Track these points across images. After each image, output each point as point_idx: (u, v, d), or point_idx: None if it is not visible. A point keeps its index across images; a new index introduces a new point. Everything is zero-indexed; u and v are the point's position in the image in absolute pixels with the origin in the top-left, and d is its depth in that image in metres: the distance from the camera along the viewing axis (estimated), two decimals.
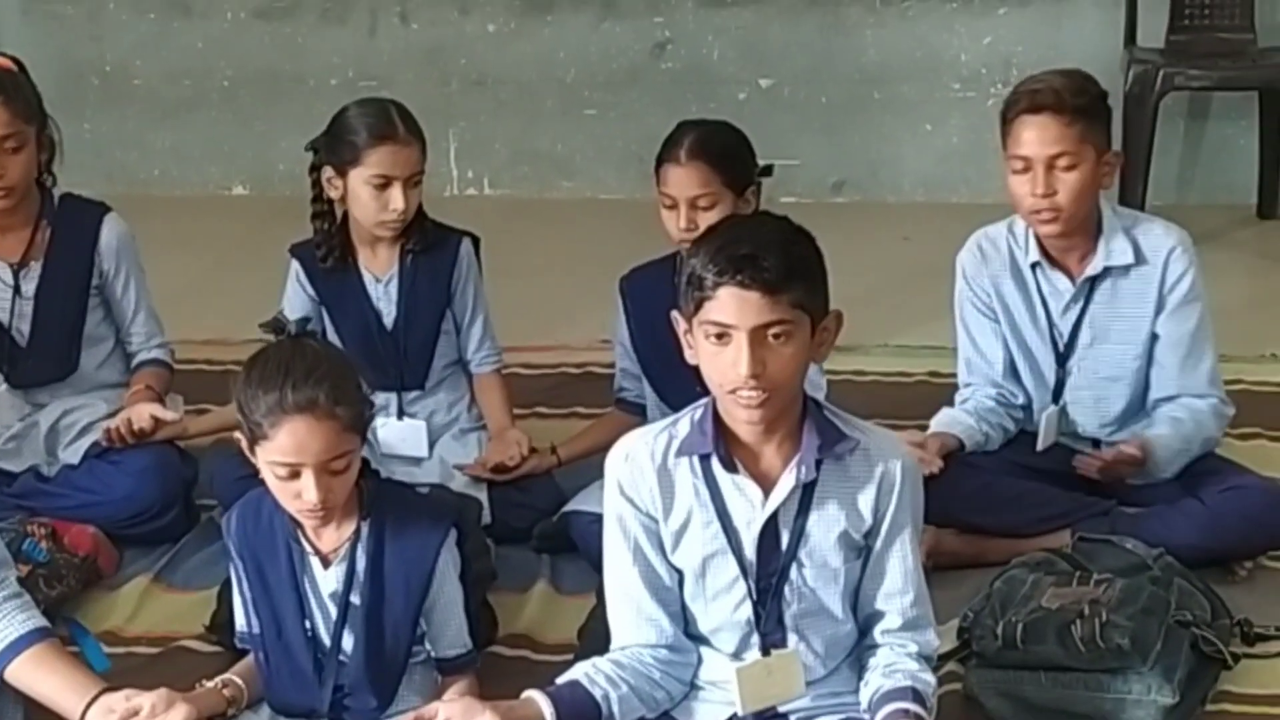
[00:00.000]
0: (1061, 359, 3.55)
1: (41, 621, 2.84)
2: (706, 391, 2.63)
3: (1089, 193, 3.38)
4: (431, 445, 3.77)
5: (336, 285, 3.74)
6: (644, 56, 6.16)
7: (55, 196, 3.78)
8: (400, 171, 3.57)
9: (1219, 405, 3.56)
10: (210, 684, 2.86)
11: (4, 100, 3.57)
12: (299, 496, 2.69)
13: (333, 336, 3.72)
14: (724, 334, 2.51)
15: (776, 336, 2.50)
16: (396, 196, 3.57)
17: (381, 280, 3.73)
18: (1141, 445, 3.42)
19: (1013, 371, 3.59)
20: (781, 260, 2.49)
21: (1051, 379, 3.57)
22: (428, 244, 3.72)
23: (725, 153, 3.49)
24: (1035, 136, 3.34)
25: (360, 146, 3.56)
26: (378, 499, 2.84)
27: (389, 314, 3.73)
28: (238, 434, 2.76)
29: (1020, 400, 3.61)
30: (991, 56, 5.98)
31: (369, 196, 3.59)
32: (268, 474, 2.72)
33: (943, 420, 3.55)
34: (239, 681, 2.88)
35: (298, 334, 2.78)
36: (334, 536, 2.82)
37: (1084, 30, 5.84)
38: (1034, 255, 3.51)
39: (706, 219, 3.37)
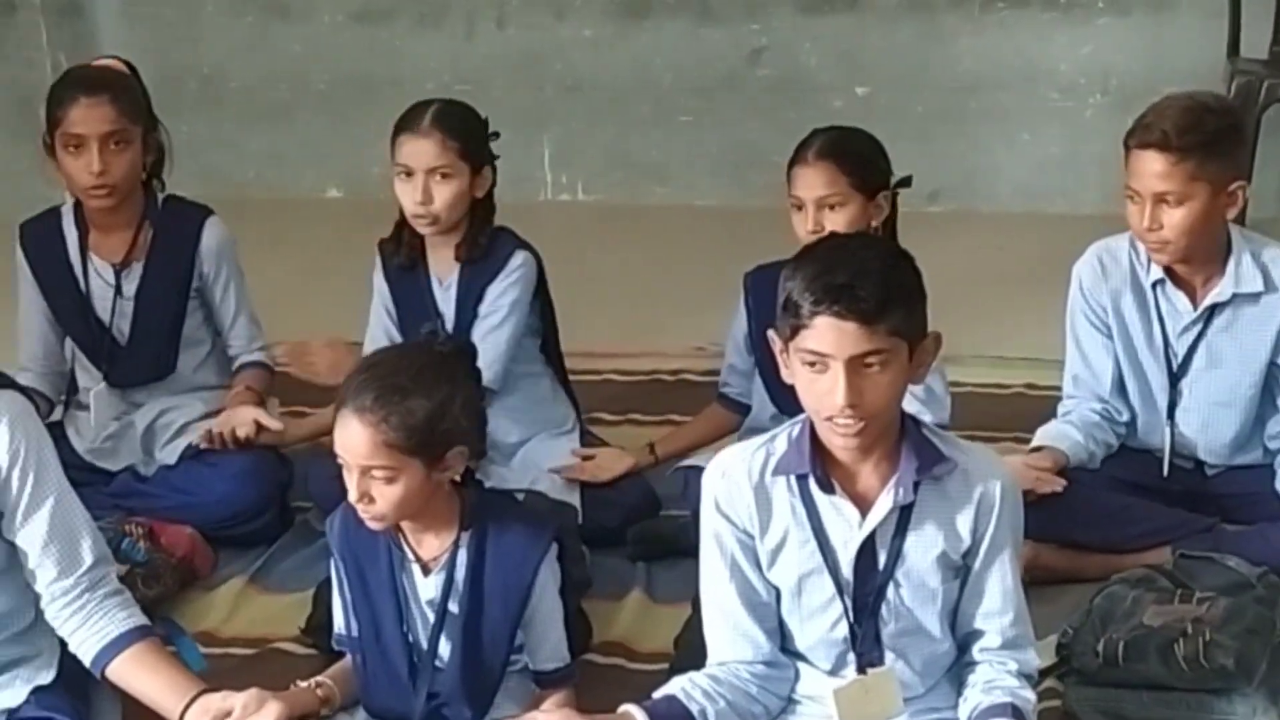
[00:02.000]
0: (1174, 380, 3.50)
1: (142, 620, 2.87)
2: None
3: (1200, 228, 3.32)
4: (518, 449, 3.75)
5: (407, 283, 3.75)
6: (740, 63, 6.14)
7: (159, 198, 3.82)
8: (417, 162, 3.56)
9: None
10: (304, 684, 2.88)
11: (111, 98, 3.61)
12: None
13: (398, 335, 3.74)
14: (820, 362, 2.48)
15: (874, 365, 2.47)
16: (416, 187, 3.57)
17: (444, 284, 3.73)
18: None
19: (1120, 388, 3.55)
20: (879, 289, 2.45)
21: (1162, 399, 3.52)
22: (479, 253, 3.68)
23: (854, 154, 3.48)
24: (1143, 171, 3.29)
25: (393, 139, 3.61)
26: (480, 509, 2.84)
27: (450, 317, 3.72)
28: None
29: (1124, 417, 3.56)
30: (1090, 66, 5.93)
31: (399, 189, 3.62)
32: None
33: (1049, 434, 3.50)
34: (331, 684, 2.89)
35: (430, 339, 2.84)
36: (435, 544, 2.83)
37: (1186, 41, 5.77)
38: (1156, 273, 3.46)
39: (834, 220, 3.38)
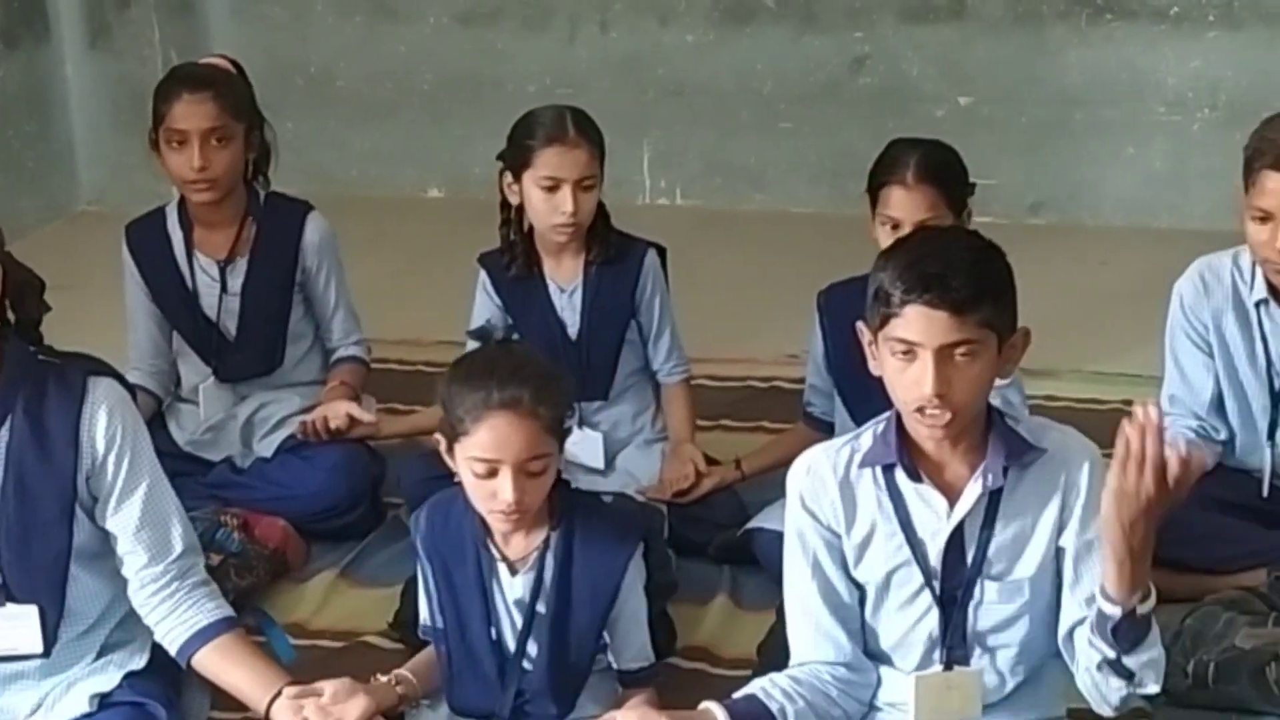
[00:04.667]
0: (1276, 400, 3.45)
1: (229, 611, 2.91)
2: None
3: None
4: (615, 456, 3.78)
5: (522, 294, 3.75)
6: (842, 71, 6.12)
7: (261, 195, 3.87)
8: (568, 173, 3.57)
9: None
10: (384, 679, 2.90)
11: (213, 95, 3.67)
12: (494, 496, 2.71)
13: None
14: (910, 351, 2.48)
15: (963, 355, 2.47)
16: (566, 198, 3.57)
17: (566, 290, 3.73)
18: None
19: (1219, 407, 3.50)
20: (970, 279, 2.46)
21: (1263, 420, 3.47)
22: (611, 255, 3.72)
23: (950, 174, 3.46)
24: (1275, 189, 3.21)
25: (533, 149, 3.58)
26: (568, 508, 2.85)
27: (573, 324, 3.74)
28: (437, 435, 2.80)
29: (1222, 435, 3.51)
30: (1199, 80, 5.85)
31: (539, 199, 3.59)
32: (465, 472, 2.74)
33: (1184, 425, 3.46)
34: (412, 678, 2.92)
35: (504, 339, 2.81)
36: (523, 544, 2.84)
37: None
38: (1260, 292, 3.41)
39: None
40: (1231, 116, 5.37)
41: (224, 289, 3.83)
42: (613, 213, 3.77)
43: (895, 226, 3.40)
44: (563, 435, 2.77)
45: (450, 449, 2.76)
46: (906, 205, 3.40)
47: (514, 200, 3.67)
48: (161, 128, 3.69)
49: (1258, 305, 3.43)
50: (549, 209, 3.59)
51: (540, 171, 3.57)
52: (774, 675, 2.69)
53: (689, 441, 3.78)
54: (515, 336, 2.87)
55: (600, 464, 3.74)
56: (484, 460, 2.69)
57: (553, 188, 3.57)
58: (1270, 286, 3.40)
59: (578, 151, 3.57)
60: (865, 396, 3.23)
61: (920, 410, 2.50)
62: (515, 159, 3.62)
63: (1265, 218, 3.26)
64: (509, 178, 3.65)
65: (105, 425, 2.77)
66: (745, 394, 4.53)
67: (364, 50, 6.51)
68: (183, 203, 3.84)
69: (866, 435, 2.65)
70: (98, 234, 4.88)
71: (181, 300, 3.85)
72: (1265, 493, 3.49)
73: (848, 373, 3.51)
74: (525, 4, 6.35)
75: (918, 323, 2.46)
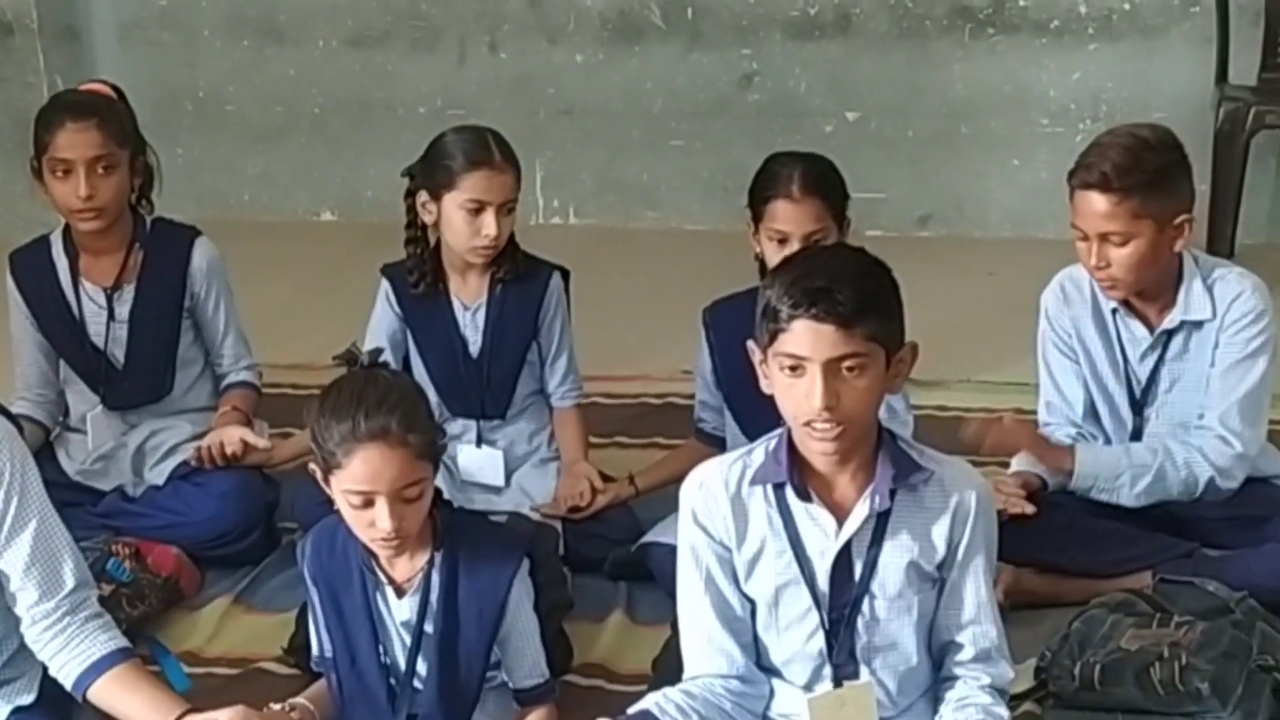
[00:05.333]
0: (1138, 406, 3.52)
1: (123, 641, 2.88)
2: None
3: (1146, 263, 3.33)
4: (511, 474, 3.78)
5: (425, 310, 3.76)
6: (731, 88, 6.17)
7: (147, 221, 3.84)
8: (493, 197, 3.59)
9: (1229, 444, 3.43)
10: (278, 707, 2.89)
11: (98, 123, 3.64)
12: (373, 525, 2.71)
13: (417, 360, 3.76)
14: (798, 366, 2.51)
15: (850, 369, 2.50)
16: (489, 222, 3.59)
17: (470, 308, 3.75)
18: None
19: (1092, 413, 3.56)
20: (856, 293, 2.49)
21: (1130, 424, 3.54)
22: (518, 274, 3.74)
23: (833, 186, 3.51)
24: (1087, 211, 3.31)
25: (455, 171, 3.58)
26: (451, 529, 2.85)
27: (475, 342, 3.75)
28: (312, 465, 2.79)
29: (1099, 441, 3.57)
30: (1080, 92, 5.95)
31: (462, 221, 3.61)
32: (342, 503, 2.74)
33: (1025, 459, 3.52)
34: (309, 706, 2.90)
35: (370, 365, 2.80)
36: (408, 566, 2.84)
37: (1175, 67, 5.80)
38: (1114, 301, 3.49)
39: None
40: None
41: (111, 316, 3.80)
42: None
43: (783, 240, 3.44)
44: (435, 457, 2.77)
45: (326, 479, 2.75)
46: (794, 218, 3.44)
47: (428, 219, 3.67)
48: (45, 157, 3.65)
49: (1114, 313, 3.50)
50: (471, 231, 3.61)
51: (465, 194, 3.58)
52: (668, 690, 2.70)
53: (583, 460, 3.80)
54: (383, 359, 2.84)
55: (501, 481, 3.75)
56: (358, 492, 2.69)
57: (477, 210, 3.59)
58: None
59: (504, 176, 3.60)
60: (754, 411, 3.26)
61: (810, 424, 2.53)
62: (435, 179, 3.62)
63: (1082, 235, 3.34)
64: (425, 196, 3.66)
65: None
66: (639, 411, 4.55)
67: (253, 74, 6.48)
68: (68, 230, 3.80)
69: (759, 451, 2.68)
70: None
71: (68, 328, 3.81)
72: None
73: (736, 388, 3.55)
74: (414, 26, 6.35)
75: (805, 337, 2.49)
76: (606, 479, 3.77)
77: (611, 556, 3.62)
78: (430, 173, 3.64)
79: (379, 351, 2.87)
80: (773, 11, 6.08)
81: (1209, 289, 3.43)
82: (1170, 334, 3.46)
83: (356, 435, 2.66)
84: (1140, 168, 3.27)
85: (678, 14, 6.15)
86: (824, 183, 3.49)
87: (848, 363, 2.50)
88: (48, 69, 6.25)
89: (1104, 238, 3.31)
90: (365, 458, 2.67)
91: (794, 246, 3.41)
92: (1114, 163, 3.27)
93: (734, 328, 3.51)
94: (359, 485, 2.68)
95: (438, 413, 3.14)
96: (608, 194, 6.37)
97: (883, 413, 2.65)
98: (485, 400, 3.77)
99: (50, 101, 3.82)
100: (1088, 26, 5.90)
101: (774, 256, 3.44)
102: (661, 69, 6.20)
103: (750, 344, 2.62)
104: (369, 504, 2.70)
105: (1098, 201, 3.29)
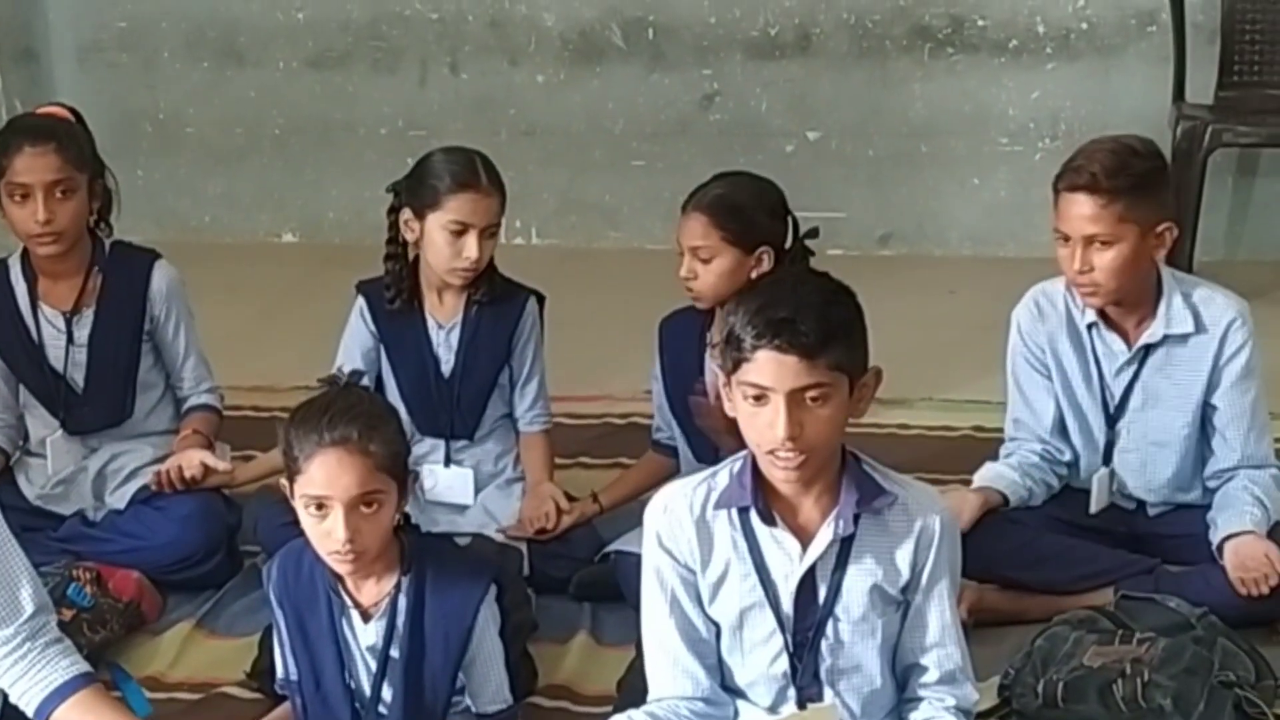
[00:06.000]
0: (1111, 421, 3.54)
1: (85, 667, 2.85)
2: (739, 443, 2.63)
3: (1129, 269, 3.36)
4: (476, 494, 3.78)
5: (399, 327, 3.76)
6: (692, 108, 6.19)
7: (106, 245, 3.82)
8: (477, 220, 3.60)
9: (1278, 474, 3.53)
10: None
11: (56, 147, 3.62)
12: (329, 535, 2.71)
13: (389, 378, 3.75)
14: (762, 396, 2.52)
15: (814, 399, 2.51)
16: (471, 244, 3.60)
17: (444, 327, 3.75)
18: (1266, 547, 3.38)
19: (1061, 429, 3.58)
20: (819, 323, 2.49)
21: (1101, 439, 3.56)
22: (494, 296, 3.74)
23: (731, 209, 3.50)
24: (1073, 213, 3.34)
25: (441, 191, 3.59)
26: (418, 553, 2.85)
27: (447, 362, 3.75)
28: (283, 480, 2.79)
29: (1066, 457, 3.59)
30: (1039, 111, 5.98)
31: (444, 242, 3.61)
32: (302, 513, 2.75)
33: (987, 475, 3.54)
34: None
35: (346, 383, 2.82)
36: (374, 590, 2.83)
37: (1132, 86, 5.84)
38: (1091, 316, 3.50)
39: (705, 271, 3.47)
40: (1071, 145, 5.36)
41: (70, 340, 3.78)
42: None
43: (680, 253, 3.51)
44: (402, 476, 2.77)
45: (292, 490, 2.76)
46: (681, 230, 3.52)
47: (410, 237, 3.68)
48: (3, 181, 3.63)
49: (1089, 328, 3.52)
50: (453, 253, 3.61)
51: (449, 215, 3.59)
52: (633, 711, 2.71)
53: (548, 481, 3.80)
54: (364, 382, 2.85)
55: (471, 500, 3.75)
56: (314, 497, 2.70)
57: (459, 232, 3.60)
58: (1100, 309, 3.49)
59: (489, 200, 3.62)
60: (694, 421, 3.30)
61: (773, 453, 2.53)
62: (420, 198, 3.63)
63: (1066, 239, 3.36)
64: (408, 214, 3.66)
65: None
66: (603, 430, 4.55)
67: (213, 95, 6.46)
68: (26, 254, 3.78)
69: (723, 474, 2.68)
70: None
71: (26, 353, 3.79)
72: (1092, 509, 3.57)
73: (677, 396, 3.59)
74: (375, 47, 6.34)
75: (768, 368, 2.50)
76: (571, 499, 3.77)
77: (576, 577, 3.61)
78: (416, 191, 3.65)
79: (359, 374, 2.89)
80: (733, 32, 6.09)
81: (1191, 304, 3.45)
82: (1149, 348, 3.48)
83: (320, 441, 2.69)
84: (1128, 171, 3.31)
85: (639, 35, 6.16)
86: (719, 203, 3.51)
87: (811, 393, 2.50)
88: (6, 91, 6.22)
89: (1089, 241, 3.33)
90: (323, 462, 2.69)
91: (685, 261, 3.51)
92: (1102, 165, 3.31)
93: (680, 339, 3.64)
94: (315, 490, 2.70)
95: (409, 433, 3.14)
96: (570, 214, 6.37)
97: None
98: (454, 420, 3.77)
99: (8, 125, 3.80)
100: (1046, 46, 5.94)
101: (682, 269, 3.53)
102: (623, 89, 6.21)
103: (714, 368, 2.62)
104: (324, 510, 2.71)
105: (1085, 203, 3.31)
